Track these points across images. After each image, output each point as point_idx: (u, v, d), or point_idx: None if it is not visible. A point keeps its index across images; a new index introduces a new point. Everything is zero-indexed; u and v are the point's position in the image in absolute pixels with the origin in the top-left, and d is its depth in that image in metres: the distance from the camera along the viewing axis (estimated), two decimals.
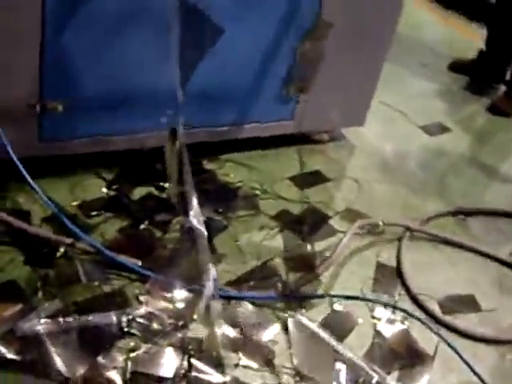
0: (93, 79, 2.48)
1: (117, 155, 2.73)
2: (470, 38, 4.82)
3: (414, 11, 4.55)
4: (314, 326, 2.27)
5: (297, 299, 2.36)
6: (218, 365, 2.06)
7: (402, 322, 2.38)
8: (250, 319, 2.25)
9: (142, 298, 2.21)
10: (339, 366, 2.14)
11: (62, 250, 2.31)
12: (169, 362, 2.03)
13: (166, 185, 2.71)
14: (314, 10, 2.76)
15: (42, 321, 2.04)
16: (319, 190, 2.98)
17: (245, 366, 2.08)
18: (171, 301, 2.22)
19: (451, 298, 2.55)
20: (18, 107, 2.40)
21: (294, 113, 3.02)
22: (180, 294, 2.25)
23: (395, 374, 2.18)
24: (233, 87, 2.78)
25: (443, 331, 2.37)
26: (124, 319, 2.11)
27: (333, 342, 2.22)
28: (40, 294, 2.15)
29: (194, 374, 2.01)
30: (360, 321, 2.35)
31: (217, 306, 2.21)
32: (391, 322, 2.37)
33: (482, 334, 2.39)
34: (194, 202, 2.29)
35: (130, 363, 1.99)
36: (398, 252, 2.68)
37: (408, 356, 2.26)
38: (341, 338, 2.25)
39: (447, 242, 2.81)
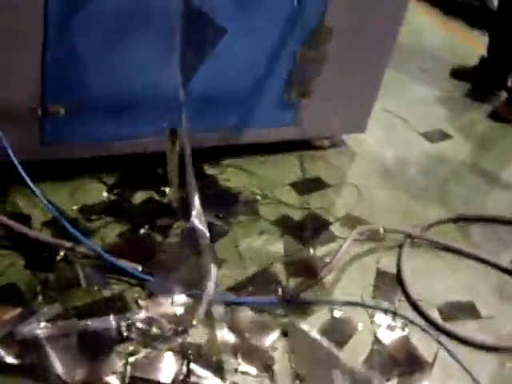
0: (95, 83, 2.48)
1: (118, 159, 2.74)
2: (472, 45, 4.83)
3: (414, 16, 4.55)
4: (313, 332, 2.27)
5: (297, 305, 2.36)
6: (218, 370, 2.05)
7: (402, 329, 2.38)
8: (249, 325, 2.24)
9: (141, 303, 2.21)
10: (338, 372, 2.14)
11: (62, 254, 2.31)
12: (168, 367, 2.03)
13: (167, 189, 2.71)
14: (317, 15, 2.76)
15: (42, 325, 2.04)
16: (320, 195, 2.98)
17: (244, 372, 2.08)
18: (171, 306, 2.22)
19: (451, 304, 2.54)
20: (20, 110, 2.41)
21: (296, 118, 3.02)
22: (180, 299, 2.25)
23: (394, 380, 2.18)
24: (234, 92, 2.79)
25: (443, 338, 2.37)
26: (123, 324, 2.11)
27: (332, 348, 2.22)
28: (40, 297, 2.15)
29: (193, 379, 2.01)
30: (360, 327, 2.34)
31: (219, 310, 2.22)
32: (391, 328, 2.37)
33: (482, 342, 2.39)
34: (197, 202, 2.29)
35: (129, 368, 1.99)
36: (399, 259, 2.68)
37: (407, 363, 2.25)
38: (340, 344, 2.25)
39: (448, 249, 2.81)
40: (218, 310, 2.23)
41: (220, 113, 2.80)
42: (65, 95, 2.46)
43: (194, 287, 2.25)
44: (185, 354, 2.07)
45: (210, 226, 2.43)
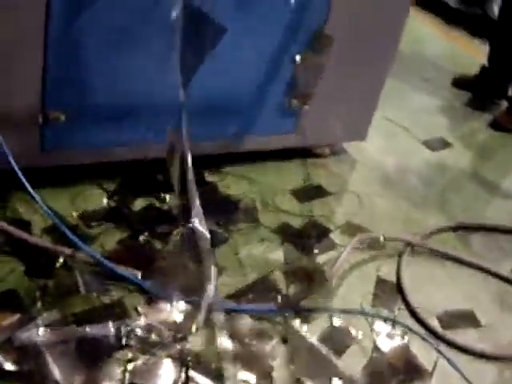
0: (95, 89, 2.48)
1: (118, 166, 2.74)
2: (473, 54, 4.84)
3: (415, 25, 4.56)
4: (313, 340, 2.26)
5: (296, 313, 2.36)
6: (217, 377, 2.05)
7: (402, 337, 2.37)
8: (249, 332, 2.24)
9: (140, 310, 2.21)
10: (338, 380, 2.13)
11: (61, 260, 2.31)
12: (167, 374, 2.02)
13: (167, 196, 2.71)
14: (319, 22, 2.76)
15: (41, 331, 2.03)
16: (320, 203, 2.98)
17: (243, 379, 2.07)
18: (170, 312, 2.22)
19: (451, 313, 2.54)
20: (20, 117, 2.41)
21: (296, 126, 3.02)
22: (179, 306, 2.24)
23: None
24: (234, 99, 2.79)
25: (443, 347, 2.36)
26: (122, 330, 2.10)
27: (332, 356, 2.21)
28: (39, 304, 2.14)
29: None
30: (359, 335, 2.34)
31: (219, 316, 2.21)
32: (390, 336, 2.37)
33: (482, 350, 2.38)
34: (197, 203, 2.28)
35: (127, 375, 1.99)
36: (398, 267, 2.67)
37: (407, 371, 2.25)
38: (340, 352, 2.24)
39: (448, 258, 2.81)
40: (218, 317, 2.22)
41: (220, 120, 2.80)
42: (65, 102, 2.46)
43: (193, 294, 2.24)
44: (184, 360, 2.06)
45: (209, 233, 2.44)
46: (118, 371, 1.99)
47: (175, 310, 2.23)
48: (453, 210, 3.16)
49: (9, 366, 1.92)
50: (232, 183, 2.93)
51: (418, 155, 3.58)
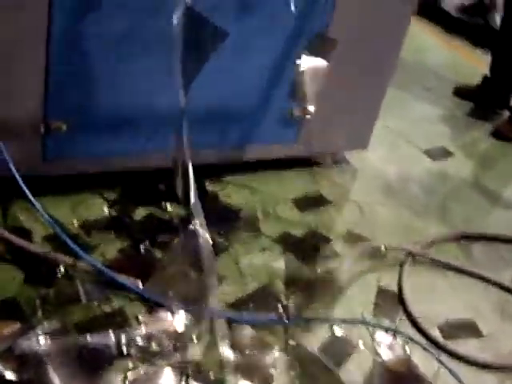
0: (97, 99, 2.49)
1: (120, 175, 2.74)
2: (475, 64, 4.84)
3: (417, 35, 4.57)
4: (314, 350, 2.26)
5: (297, 322, 2.35)
6: None
7: (403, 347, 2.37)
8: (249, 342, 2.24)
9: (141, 319, 2.21)
10: None
11: (62, 269, 2.31)
12: (167, 383, 2.02)
13: (168, 205, 2.71)
14: (320, 30, 2.77)
15: (41, 340, 2.03)
16: (321, 212, 2.98)
17: None
18: (171, 321, 2.22)
19: (452, 323, 2.53)
20: (22, 127, 2.41)
21: (298, 135, 3.02)
22: (180, 315, 2.24)
23: None
24: (236, 108, 2.79)
25: (444, 357, 2.36)
26: (123, 339, 2.10)
27: (333, 365, 2.21)
28: (39, 312, 2.14)
29: None
30: (360, 345, 2.33)
31: (221, 326, 2.21)
32: (392, 346, 2.36)
33: (483, 360, 2.38)
34: (199, 208, 2.28)
35: (127, 383, 1.99)
36: (400, 277, 2.67)
37: (408, 381, 2.25)
38: (341, 361, 2.24)
39: (449, 267, 2.80)
40: (219, 326, 2.22)
41: (221, 129, 2.81)
42: (67, 111, 2.47)
43: (194, 303, 2.24)
44: (184, 370, 2.06)
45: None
46: (118, 380, 1.99)
47: (176, 319, 2.23)
48: (454, 219, 3.15)
49: (9, 375, 1.92)
50: (233, 192, 2.93)
51: (419, 164, 3.58)
